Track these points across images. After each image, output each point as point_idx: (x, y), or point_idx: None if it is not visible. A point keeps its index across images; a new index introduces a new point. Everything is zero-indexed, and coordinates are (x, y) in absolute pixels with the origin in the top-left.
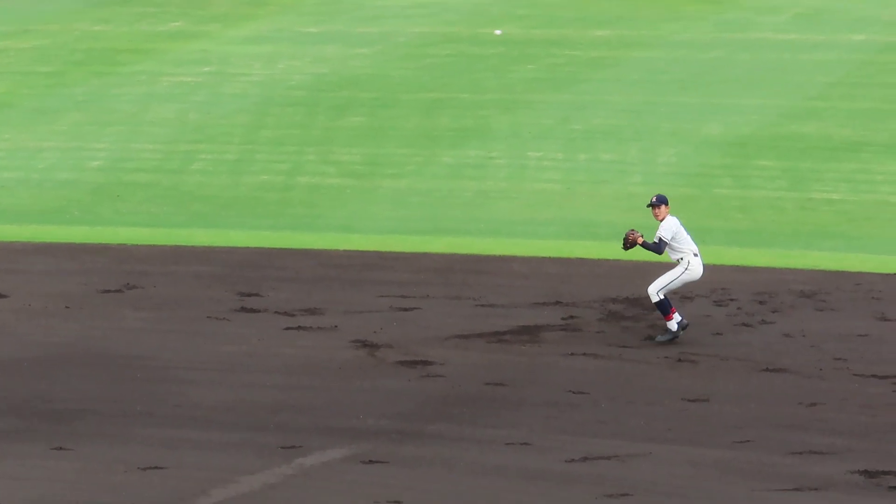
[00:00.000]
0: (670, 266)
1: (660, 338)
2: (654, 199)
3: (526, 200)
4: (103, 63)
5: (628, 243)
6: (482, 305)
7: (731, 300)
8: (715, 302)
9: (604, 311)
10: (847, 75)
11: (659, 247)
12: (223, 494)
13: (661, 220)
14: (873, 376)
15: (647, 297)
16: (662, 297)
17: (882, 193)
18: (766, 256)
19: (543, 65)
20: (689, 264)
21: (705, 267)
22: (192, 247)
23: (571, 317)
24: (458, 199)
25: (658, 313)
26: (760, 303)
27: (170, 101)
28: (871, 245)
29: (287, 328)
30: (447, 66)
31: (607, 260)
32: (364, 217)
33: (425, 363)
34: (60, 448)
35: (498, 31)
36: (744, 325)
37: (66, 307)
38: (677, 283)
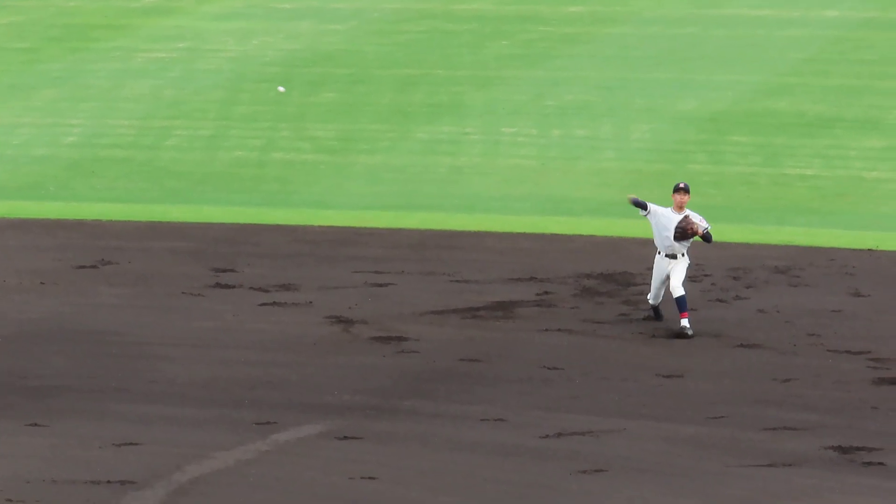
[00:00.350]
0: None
1: (689, 332)
2: (685, 185)
3: (500, 176)
4: (78, 39)
5: (690, 234)
6: (456, 281)
7: (706, 276)
8: (689, 278)
9: (578, 286)
10: (821, 51)
11: (710, 235)
12: (198, 470)
13: (683, 207)
14: (847, 352)
15: (622, 274)
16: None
17: (855, 169)
18: (740, 232)
19: (517, 41)
20: (687, 256)
21: None
22: (167, 223)
23: (546, 293)
24: (433, 175)
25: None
26: (735, 279)
27: (144, 77)
28: (845, 221)
29: (262, 304)
30: (421, 43)
31: (581, 236)
32: (338, 193)
33: (400, 339)
34: (35, 424)
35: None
36: (718, 300)
37: (41, 283)
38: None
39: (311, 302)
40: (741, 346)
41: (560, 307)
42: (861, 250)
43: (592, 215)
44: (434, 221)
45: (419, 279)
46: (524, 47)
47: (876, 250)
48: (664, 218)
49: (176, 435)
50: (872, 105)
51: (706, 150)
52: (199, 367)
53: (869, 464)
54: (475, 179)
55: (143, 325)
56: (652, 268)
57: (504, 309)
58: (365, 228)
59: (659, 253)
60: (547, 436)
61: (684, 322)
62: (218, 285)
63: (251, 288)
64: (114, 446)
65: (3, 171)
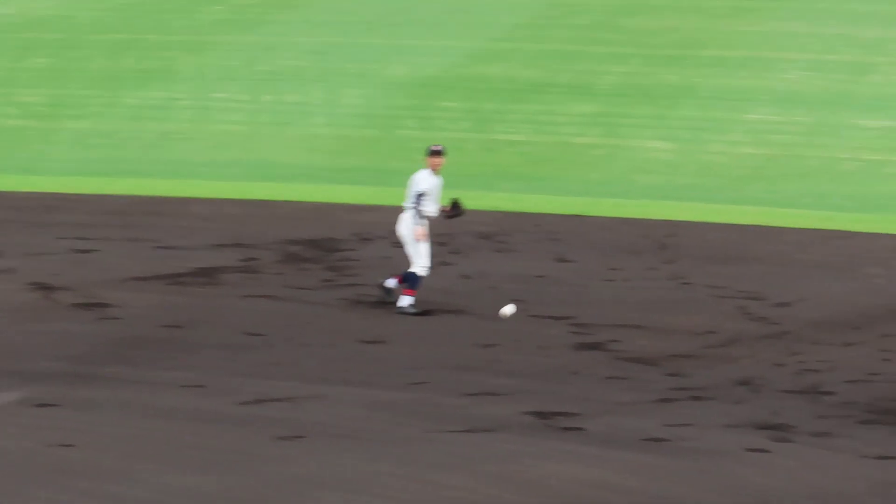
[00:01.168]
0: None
1: (411, 309)
2: (442, 148)
3: (209, 142)
4: None
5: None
6: (161, 248)
7: None
8: (393, 243)
9: (283, 252)
10: (534, 17)
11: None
12: None
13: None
14: (550, 317)
15: (327, 240)
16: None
17: (564, 135)
18: (446, 198)
19: (231, 5)
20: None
21: (386, 208)
22: None
23: (250, 258)
24: (141, 141)
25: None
26: (440, 244)
27: None
28: (552, 186)
29: None
30: (134, 7)
31: (288, 201)
32: (45, 159)
33: (102, 305)
34: None
35: None
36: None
37: None
38: None
39: (13, 268)
40: (445, 311)
41: (264, 273)
42: (567, 215)
43: (300, 181)
44: (140, 187)
45: (123, 245)
46: (238, 12)
47: (582, 216)
48: (432, 184)
49: None
50: (584, 70)
51: (416, 115)
52: None
53: (568, 429)
54: (183, 145)
55: None
56: (402, 235)
57: (208, 275)
58: (71, 195)
59: (423, 217)
60: (246, 402)
61: (411, 300)
62: None
63: None
64: None
65: None
